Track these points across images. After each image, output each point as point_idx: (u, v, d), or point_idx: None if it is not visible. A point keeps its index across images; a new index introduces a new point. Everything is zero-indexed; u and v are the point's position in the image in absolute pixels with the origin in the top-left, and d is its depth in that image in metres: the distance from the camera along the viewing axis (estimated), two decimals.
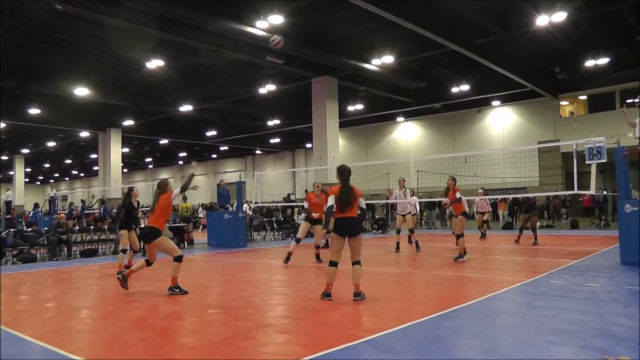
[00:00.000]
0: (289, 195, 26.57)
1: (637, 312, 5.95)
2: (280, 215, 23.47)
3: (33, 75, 24.20)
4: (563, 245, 14.72)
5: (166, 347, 5.05)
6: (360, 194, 7.31)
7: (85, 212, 25.92)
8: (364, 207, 7.43)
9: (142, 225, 11.98)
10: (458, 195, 11.75)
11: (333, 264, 7.22)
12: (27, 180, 54.85)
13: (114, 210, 19.85)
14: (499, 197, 19.72)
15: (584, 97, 30.81)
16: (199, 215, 30.86)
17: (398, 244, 14.27)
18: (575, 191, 12.52)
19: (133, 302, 7.67)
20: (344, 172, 7.37)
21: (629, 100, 27.62)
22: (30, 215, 23.23)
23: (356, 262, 7.26)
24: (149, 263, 8.26)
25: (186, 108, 30.12)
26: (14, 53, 20.91)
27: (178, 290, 8.01)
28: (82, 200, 28.05)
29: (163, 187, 8.37)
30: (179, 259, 8.05)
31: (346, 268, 7.24)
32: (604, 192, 23.80)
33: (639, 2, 17.91)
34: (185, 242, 17.88)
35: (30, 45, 20.32)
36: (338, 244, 7.21)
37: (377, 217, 26.26)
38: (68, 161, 57.45)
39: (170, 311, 6.86)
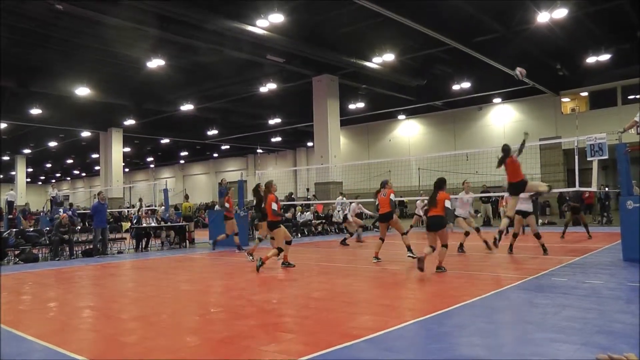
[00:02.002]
0: (290, 194, 26.54)
1: (638, 309, 5.94)
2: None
3: (34, 75, 24.25)
4: (565, 242, 14.70)
5: (168, 346, 5.05)
6: (445, 197, 9.40)
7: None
8: (449, 207, 9.42)
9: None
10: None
11: (431, 247, 9.43)
12: (28, 180, 54.95)
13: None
14: (501, 194, 19.64)
15: (585, 94, 30.75)
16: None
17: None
18: (577, 188, 12.50)
19: (134, 301, 7.69)
20: (436, 182, 9.86)
21: (630, 97, 27.61)
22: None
23: (443, 245, 9.43)
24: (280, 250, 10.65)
25: (187, 107, 30.17)
26: (14, 52, 20.95)
27: (287, 264, 10.74)
28: (70, 204, 28.01)
29: (268, 187, 10.99)
30: (289, 242, 10.82)
31: (348, 267, 7.21)
32: (606, 189, 23.75)
33: None
34: (187, 242, 17.86)
35: (31, 44, 20.37)
36: (428, 236, 9.58)
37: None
38: (69, 161, 57.56)
39: (171, 310, 6.86)
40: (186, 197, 20.95)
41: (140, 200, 24.05)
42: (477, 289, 7.61)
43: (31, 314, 6.88)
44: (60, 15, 17.20)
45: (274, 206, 10.51)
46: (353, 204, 18.17)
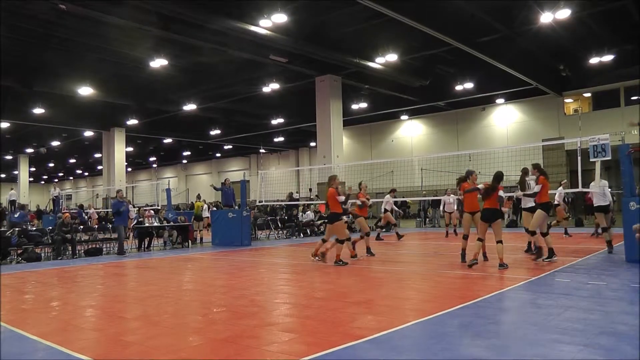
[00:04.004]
0: (290, 193, 26.55)
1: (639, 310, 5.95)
2: (285, 214, 23.49)
3: (37, 75, 24.26)
4: (568, 243, 14.68)
5: (170, 345, 5.06)
6: (499, 188, 10.03)
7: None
8: (502, 196, 10.10)
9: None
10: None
11: (480, 240, 10.06)
12: (31, 179, 55.01)
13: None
14: (507, 195, 19.59)
15: (588, 95, 30.70)
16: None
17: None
18: (580, 189, 12.49)
19: (137, 301, 7.70)
20: (495, 176, 10.16)
21: (633, 97, 27.55)
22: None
23: (498, 242, 9.76)
24: (324, 241, 11.22)
25: (190, 107, 30.19)
26: (17, 52, 20.96)
27: (341, 263, 10.55)
28: (80, 206, 28.06)
29: (330, 181, 11.04)
30: (341, 241, 10.74)
31: (351, 267, 7.22)
32: (609, 190, 23.66)
33: None
34: (189, 241, 17.87)
35: (34, 44, 20.36)
36: (482, 226, 10.06)
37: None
38: (72, 160, 57.61)
39: (174, 310, 6.87)
40: (198, 197, 21.06)
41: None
42: (480, 289, 7.61)
43: (34, 314, 6.89)
44: (64, 15, 17.21)
45: (341, 198, 10.80)
46: (387, 196, 18.12)
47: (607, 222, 12.31)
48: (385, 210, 18.06)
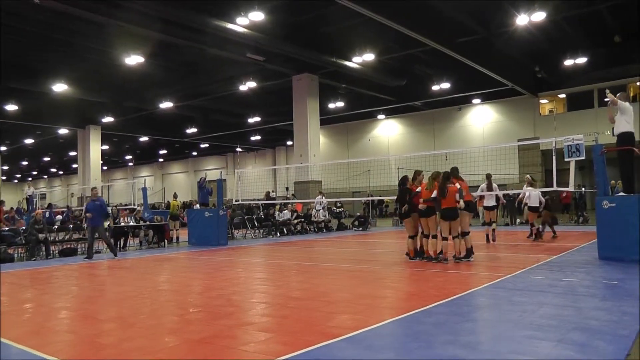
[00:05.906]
0: (267, 193, 26.50)
1: (614, 306, 6.05)
2: (261, 213, 23.41)
3: (10, 71, 23.82)
4: (542, 241, 14.87)
5: (146, 346, 5.00)
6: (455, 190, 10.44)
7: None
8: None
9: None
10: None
11: (434, 236, 10.72)
12: (4, 178, 54.06)
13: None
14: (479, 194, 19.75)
15: (563, 96, 31.17)
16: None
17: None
18: (555, 188, 12.67)
19: (112, 302, 7.61)
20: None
21: (606, 99, 27.99)
22: None
23: (455, 237, 10.55)
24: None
25: (167, 105, 29.97)
26: None
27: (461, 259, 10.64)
28: (49, 204, 27.53)
29: (454, 173, 10.96)
30: (464, 234, 10.82)
31: (328, 266, 7.20)
32: (583, 189, 24.06)
33: (620, 3, 18.19)
34: (166, 241, 17.70)
35: (7, 40, 19.99)
36: (443, 225, 10.57)
37: (358, 214, 26.31)
38: (47, 159, 56.75)
39: (150, 310, 6.80)
40: (174, 196, 20.86)
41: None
42: (455, 287, 7.66)
43: (6, 316, 6.75)
44: (38, 9, 16.95)
45: (462, 204, 10.62)
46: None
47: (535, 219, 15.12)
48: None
